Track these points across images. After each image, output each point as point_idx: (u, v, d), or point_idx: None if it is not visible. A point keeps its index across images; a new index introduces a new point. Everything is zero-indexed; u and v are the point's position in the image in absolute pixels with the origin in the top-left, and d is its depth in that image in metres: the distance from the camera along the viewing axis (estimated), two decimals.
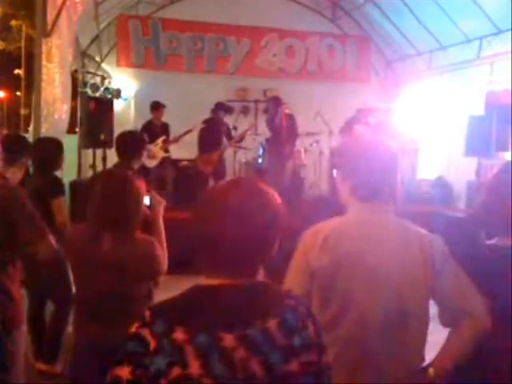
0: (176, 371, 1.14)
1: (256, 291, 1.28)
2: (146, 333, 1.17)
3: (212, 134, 8.34)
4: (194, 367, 1.14)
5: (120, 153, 3.91)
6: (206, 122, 8.40)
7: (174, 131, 8.58)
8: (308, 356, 1.25)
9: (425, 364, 1.84)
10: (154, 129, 8.42)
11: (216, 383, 1.15)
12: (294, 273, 1.87)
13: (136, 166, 3.89)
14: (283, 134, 8.13)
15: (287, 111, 8.51)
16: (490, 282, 1.83)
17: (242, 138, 8.62)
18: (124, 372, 1.16)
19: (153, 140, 8.33)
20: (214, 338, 1.17)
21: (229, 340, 1.17)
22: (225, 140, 8.48)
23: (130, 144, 3.93)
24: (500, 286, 1.86)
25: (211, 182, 9.08)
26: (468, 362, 1.78)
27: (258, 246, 1.27)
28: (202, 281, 1.28)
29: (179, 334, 1.16)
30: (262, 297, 1.28)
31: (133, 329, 1.20)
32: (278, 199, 1.33)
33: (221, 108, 8.45)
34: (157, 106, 8.49)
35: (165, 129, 8.55)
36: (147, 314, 1.21)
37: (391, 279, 1.77)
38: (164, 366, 1.14)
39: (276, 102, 8.30)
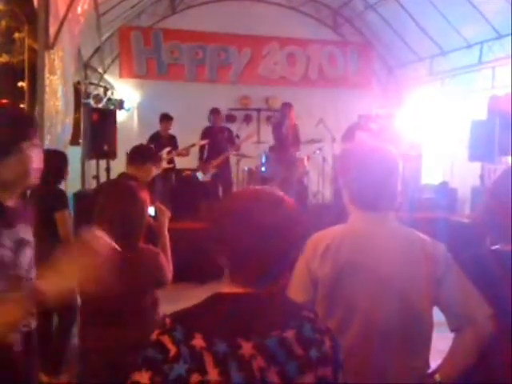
0: (196, 378, 1.15)
1: (274, 301, 1.28)
2: (166, 340, 1.18)
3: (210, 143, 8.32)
4: (213, 374, 1.15)
5: (134, 163, 4.03)
6: (205, 131, 8.43)
7: (178, 140, 8.61)
8: (324, 370, 1.24)
9: (430, 370, 1.84)
10: (161, 140, 8.44)
11: None
12: (297, 282, 1.87)
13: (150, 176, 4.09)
14: (289, 141, 8.12)
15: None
16: (495, 288, 1.83)
17: (238, 148, 8.65)
18: (143, 378, 1.17)
19: (159, 151, 8.34)
20: (232, 346, 1.18)
21: (247, 348, 1.18)
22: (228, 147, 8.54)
23: (148, 155, 4.11)
24: (504, 292, 1.86)
25: (220, 190, 9.00)
26: (472, 368, 1.78)
27: (281, 256, 1.28)
28: (224, 288, 1.29)
29: (198, 341, 1.17)
30: (279, 307, 1.29)
31: (153, 336, 1.21)
32: (298, 210, 1.33)
33: (215, 113, 8.54)
34: (165, 118, 8.53)
35: (172, 140, 8.56)
36: (167, 320, 1.22)
37: (394, 287, 1.77)
38: (184, 373, 1.15)
39: (288, 108, 8.17)
